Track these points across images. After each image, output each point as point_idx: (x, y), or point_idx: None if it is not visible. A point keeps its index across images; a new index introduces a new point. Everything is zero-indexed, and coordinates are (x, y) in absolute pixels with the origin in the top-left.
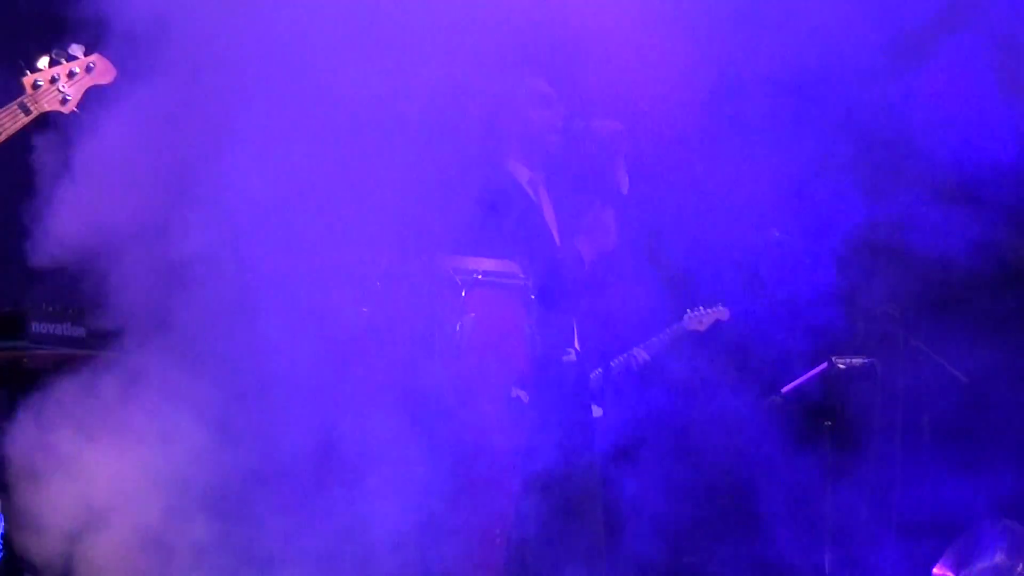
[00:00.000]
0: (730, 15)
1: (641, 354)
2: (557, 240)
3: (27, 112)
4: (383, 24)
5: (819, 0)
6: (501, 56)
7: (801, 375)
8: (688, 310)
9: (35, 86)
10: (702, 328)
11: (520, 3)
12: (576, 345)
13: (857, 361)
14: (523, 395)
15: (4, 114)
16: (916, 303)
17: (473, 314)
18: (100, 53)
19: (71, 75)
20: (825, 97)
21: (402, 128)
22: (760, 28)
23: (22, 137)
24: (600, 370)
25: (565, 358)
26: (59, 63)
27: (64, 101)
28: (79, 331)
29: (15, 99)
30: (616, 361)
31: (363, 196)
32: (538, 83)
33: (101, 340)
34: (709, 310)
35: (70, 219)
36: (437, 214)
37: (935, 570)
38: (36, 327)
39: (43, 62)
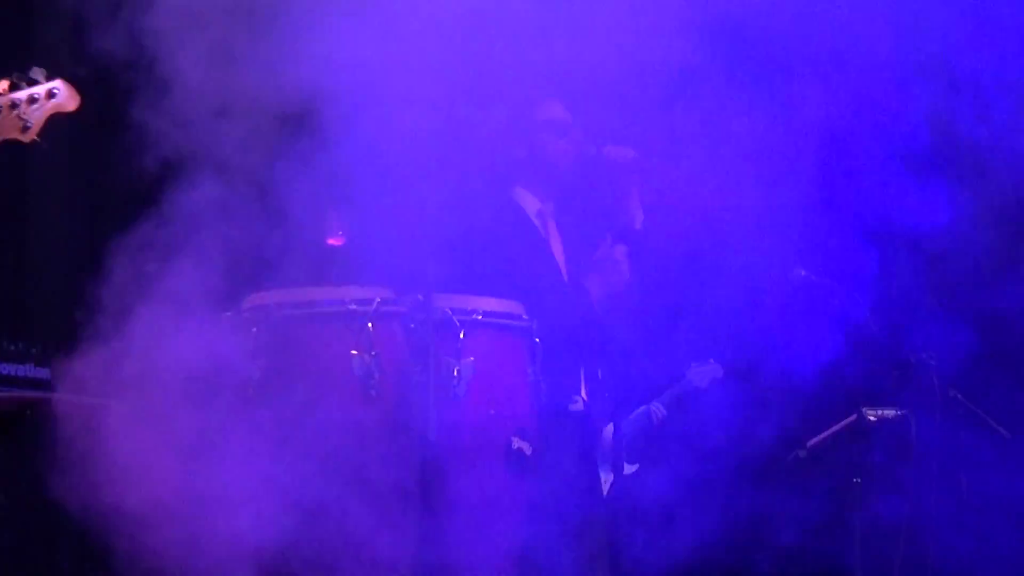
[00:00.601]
0: (751, 47)
1: (660, 410)
2: (565, 277)
3: None
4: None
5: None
6: (512, 77)
7: (828, 428)
8: (694, 364)
9: None
10: (703, 385)
11: (531, 26)
12: (584, 393)
13: (889, 413)
14: (525, 447)
15: None
16: (953, 351)
17: (472, 358)
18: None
19: (32, 101)
20: (857, 129)
21: (397, 147)
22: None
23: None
24: (612, 425)
25: (572, 407)
26: (19, 87)
27: (24, 129)
28: (43, 373)
29: None
30: (634, 416)
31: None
32: (553, 106)
33: (69, 383)
34: (705, 367)
35: None
36: (433, 247)
37: None
38: None
39: (1, 86)
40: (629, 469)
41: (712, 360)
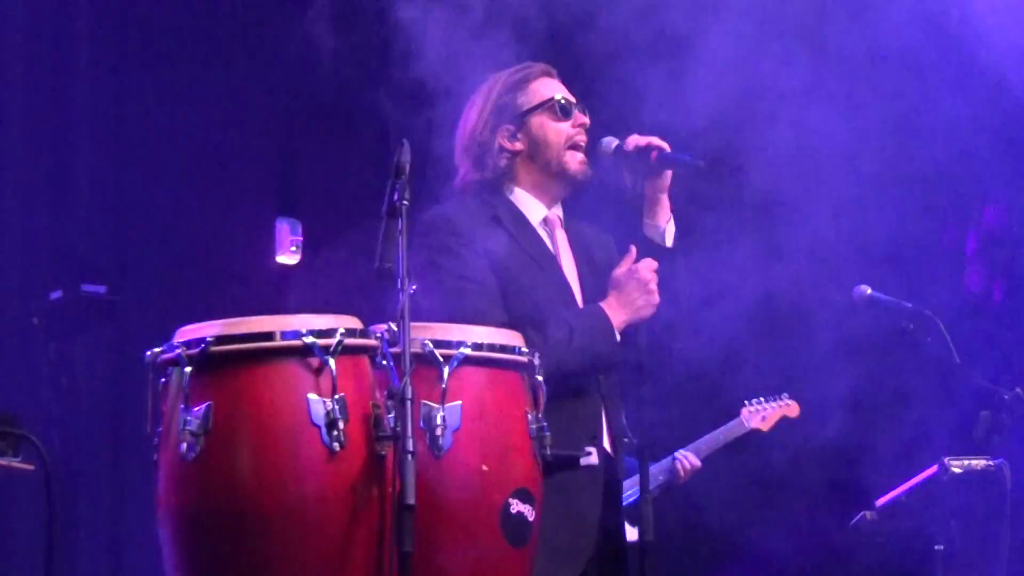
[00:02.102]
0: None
1: (689, 460)
2: (579, 300)
3: None
4: None
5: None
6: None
7: (901, 482)
8: (746, 403)
9: None
10: (765, 428)
11: None
12: (606, 443)
13: (978, 463)
14: (527, 511)
15: None
16: None
17: (459, 402)
18: None
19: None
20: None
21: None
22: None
23: None
24: (634, 485)
25: (584, 460)
26: None
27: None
28: None
29: None
30: (658, 468)
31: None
32: (552, 82)
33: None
34: (774, 403)
35: None
36: (407, 263)
37: None
38: None
39: None
40: (631, 534)
41: (787, 396)
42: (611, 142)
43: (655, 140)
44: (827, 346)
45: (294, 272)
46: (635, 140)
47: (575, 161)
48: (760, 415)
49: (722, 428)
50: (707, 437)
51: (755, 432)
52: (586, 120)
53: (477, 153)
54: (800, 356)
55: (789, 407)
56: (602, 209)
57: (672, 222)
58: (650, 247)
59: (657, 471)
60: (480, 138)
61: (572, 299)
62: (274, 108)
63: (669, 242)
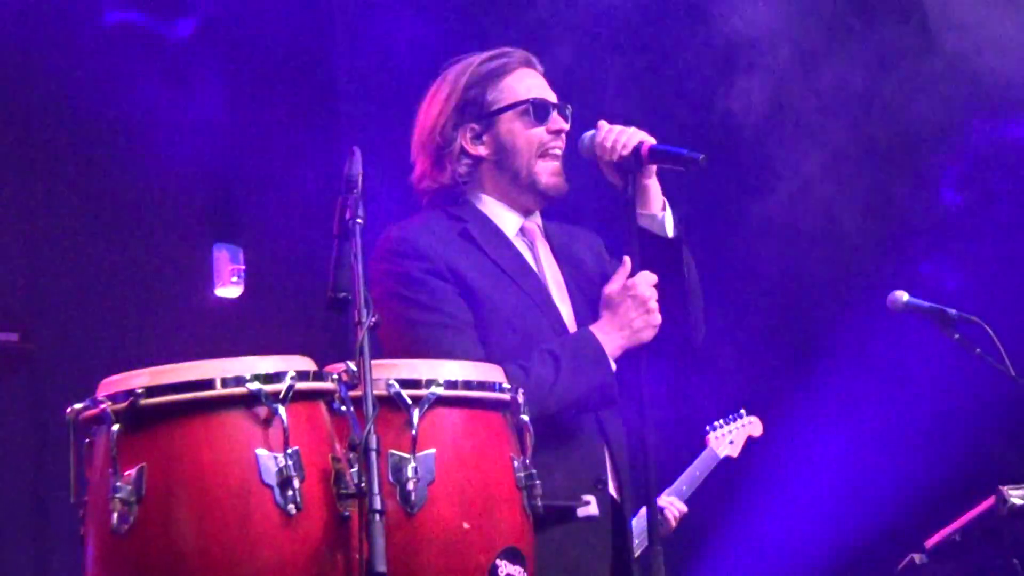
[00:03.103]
0: None
1: (676, 506)
2: (570, 322)
3: None
4: None
5: None
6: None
7: (953, 518)
8: (708, 428)
9: None
10: (735, 453)
11: None
12: (612, 489)
13: None
14: (518, 573)
15: None
16: None
17: (434, 449)
18: None
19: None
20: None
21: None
22: None
23: None
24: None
25: (582, 511)
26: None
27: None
28: None
29: None
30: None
31: None
32: (530, 77)
33: None
34: (735, 424)
35: None
36: (365, 293)
37: None
38: None
39: None
40: None
41: (744, 411)
42: (588, 139)
43: (634, 132)
44: (847, 357)
45: (236, 307)
46: (611, 135)
47: (547, 172)
48: (727, 439)
49: (696, 463)
50: (684, 477)
51: (727, 460)
52: (564, 126)
53: (436, 152)
54: (813, 369)
55: (752, 424)
56: (589, 204)
57: (668, 207)
58: (649, 241)
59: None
60: (440, 135)
61: (560, 322)
62: (207, 115)
63: (670, 231)
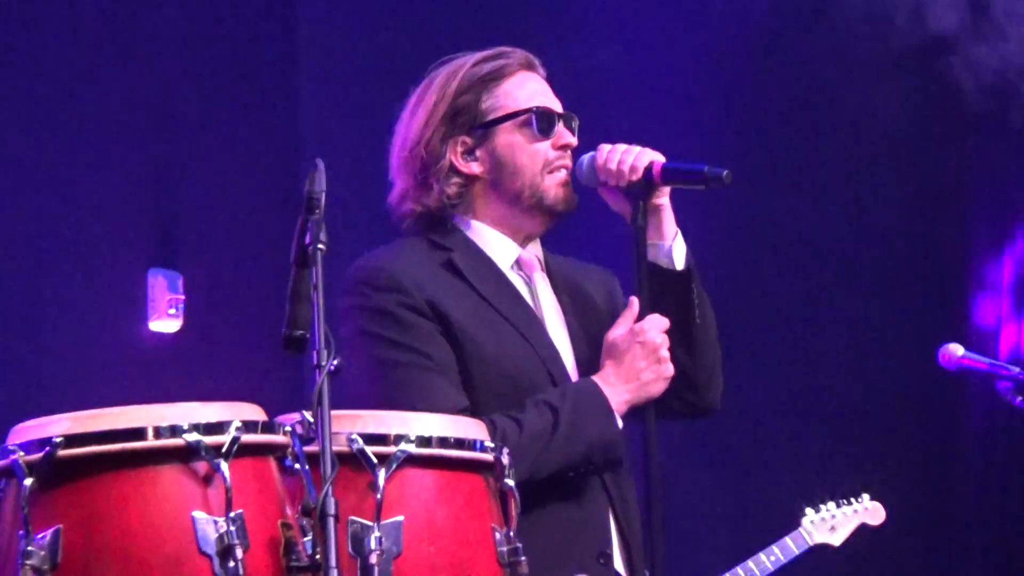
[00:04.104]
0: None
1: None
2: (572, 370)
3: None
4: None
5: None
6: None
7: None
8: (809, 511)
9: None
10: (837, 542)
11: None
12: (618, 563)
13: None
14: None
15: None
16: None
17: (401, 517)
18: None
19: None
20: None
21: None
22: None
23: None
24: None
25: None
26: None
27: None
28: None
29: None
30: None
31: None
32: (532, 81)
33: None
34: (849, 508)
35: None
36: (327, 330)
37: None
38: None
39: None
40: None
41: (867, 496)
42: (588, 163)
43: (642, 151)
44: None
45: (173, 343)
46: (615, 156)
47: (555, 185)
48: (827, 524)
49: (776, 545)
50: (756, 559)
51: (823, 546)
52: (572, 140)
53: (420, 170)
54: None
55: (871, 511)
56: (597, 234)
57: (680, 236)
58: (658, 277)
59: None
60: (426, 149)
61: (560, 369)
62: (141, 117)
63: (680, 263)
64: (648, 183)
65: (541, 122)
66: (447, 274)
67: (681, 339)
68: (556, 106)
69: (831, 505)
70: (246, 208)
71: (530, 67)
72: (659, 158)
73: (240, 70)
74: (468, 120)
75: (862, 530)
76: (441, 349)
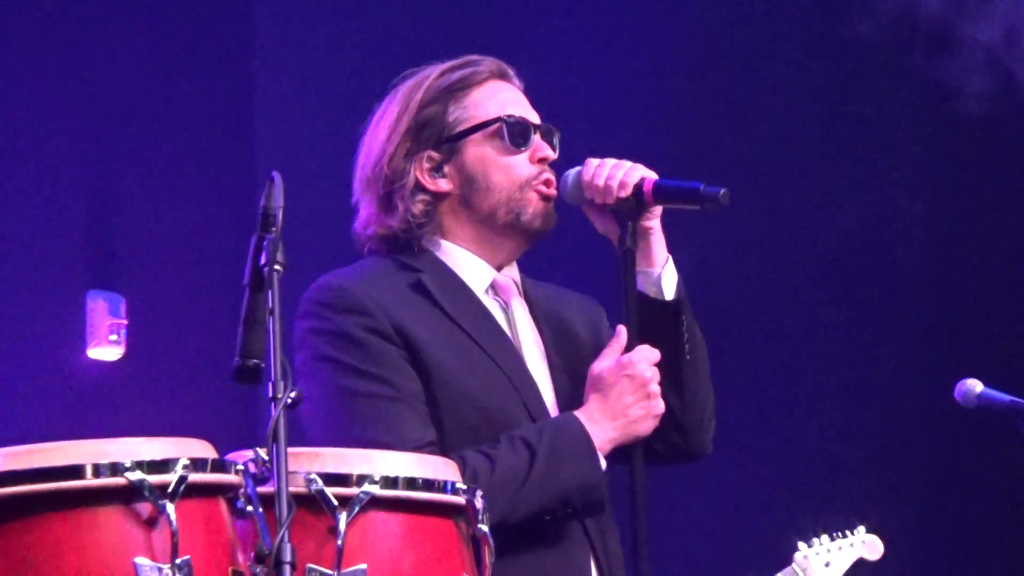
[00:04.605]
0: None
1: None
2: (550, 405)
3: None
4: None
5: None
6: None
7: None
8: (802, 545)
9: None
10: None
11: None
12: None
13: None
14: None
15: None
16: None
17: (364, 565)
18: None
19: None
20: None
21: None
22: None
23: None
24: None
25: None
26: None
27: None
28: None
29: None
30: None
31: None
32: (504, 90)
33: None
34: (844, 542)
35: None
36: (283, 360)
37: None
38: None
39: None
40: None
41: (863, 528)
42: (573, 179)
43: (633, 167)
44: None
45: (114, 372)
46: (603, 171)
47: (534, 202)
48: (822, 559)
49: None
50: None
51: None
52: (548, 154)
53: (384, 189)
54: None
55: (868, 545)
56: (580, 258)
57: (671, 263)
58: (645, 308)
59: None
60: (389, 166)
61: (539, 403)
62: (80, 123)
63: (669, 293)
64: (638, 202)
65: (513, 132)
66: (416, 296)
67: (669, 376)
68: (532, 116)
69: (825, 539)
70: (195, 224)
71: (502, 76)
72: (651, 175)
73: (189, 74)
74: (434, 133)
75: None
76: (408, 378)
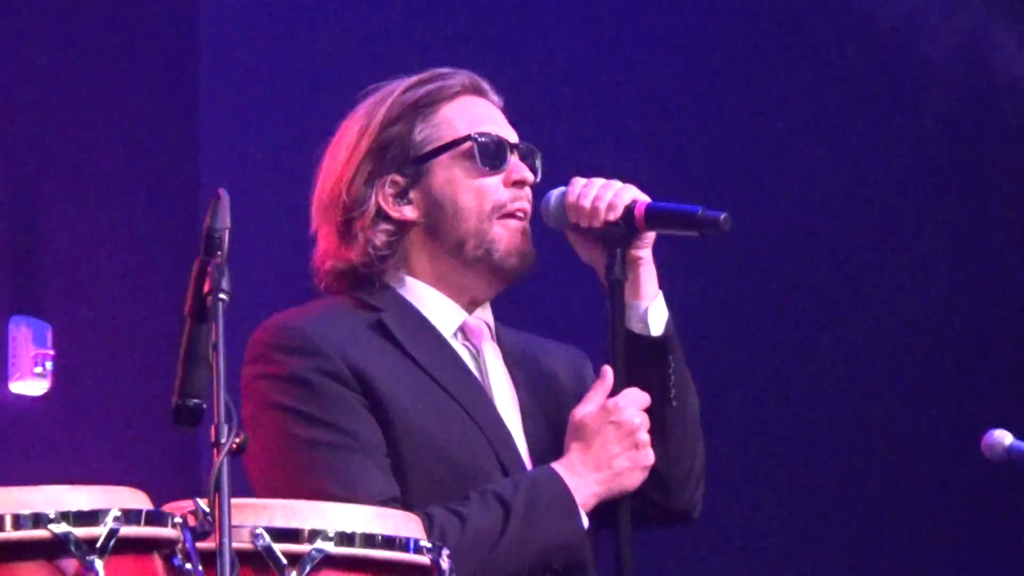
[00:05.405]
0: None
1: None
2: (525, 457)
3: None
4: None
5: None
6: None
7: None
8: None
9: None
10: None
11: None
12: None
13: None
14: None
15: None
16: None
17: None
18: None
19: None
20: None
21: None
22: None
23: None
24: None
25: None
26: None
27: None
28: None
29: None
30: None
31: None
32: (477, 106)
33: None
34: None
35: None
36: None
37: None
38: None
39: None
40: None
41: None
42: (556, 200)
43: (624, 188)
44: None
45: (38, 410)
46: (590, 191)
47: (507, 234)
48: None
49: None
50: None
51: None
52: (526, 176)
53: (343, 217)
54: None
55: None
56: (561, 290)
57: (661, 297)
58: (630, 346)
59: None
60: (348, 192)
61: (513, 455)
62: (1, 132)
63: (657, 329)
64: (628, 227)
65: (486, 152)
66: (376, 337)
67: (653, 425)
68: (508, 135)
69: None
70: (131, 244)
71: (476, 90)
72: (643, 197)
73: (126, 72)
74: (399, 155)
75: None
76: (367, 426)
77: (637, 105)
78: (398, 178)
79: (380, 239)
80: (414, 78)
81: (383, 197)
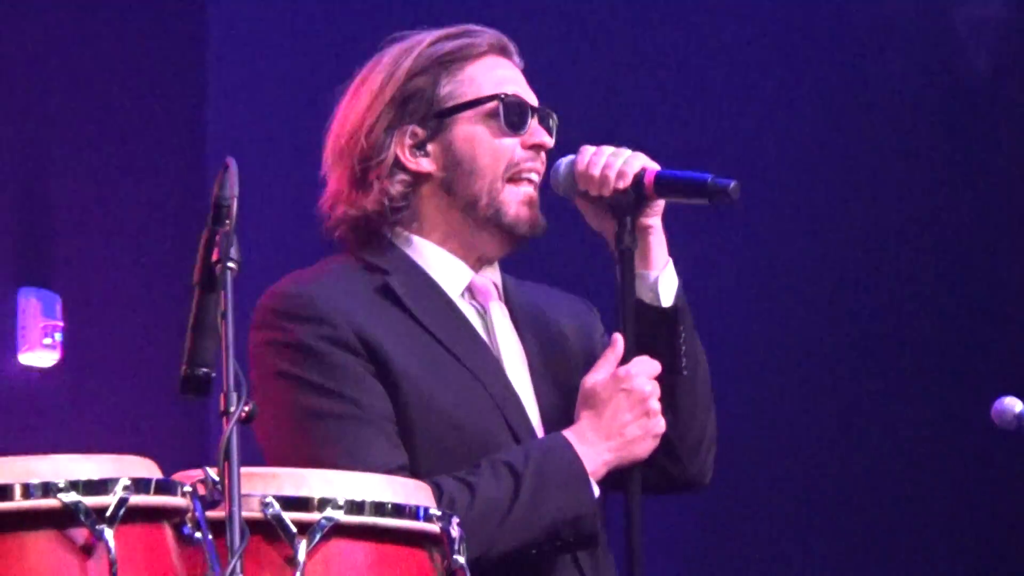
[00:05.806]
0: None
1: None
2: (536, 423)
3: None
4: None
5: None
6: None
7: None
8: None
9: None
10: None
11: None
12: None
13: None
14: None
15: None
16: None
17: None
18: None
19: None
20: None
21: None
22: None
23: None
24: None
25: None
26: None
27: None
28: None
29: None
30: None
31: None
32: (502, 67)
33: None
34: None
35: None
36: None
37: None
38: None
39: None
40: None
41: None
42: (566, 168)
43: (633, 156)
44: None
45: (48, 381)
46: (600, 160)
47: (516, 200)
48: None
49: None
50: None
51: None
52: (547, 141)
53: (358, 164)
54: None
55: None
56: (570, 258)
57: (671, 266)
58: (640, 315)
59: None
60: (367, 139)
61: (524, 421)
62: (10, 105)
63: (667, 299)
64: (638, 195)
65: (510, 113)
66: (382, 301)
67: (664, 394)
68: (531, 98)
69: None
70: (139, 214)
71: (502, 51)
72: (653, 165)
73: (133, 45)
74: (421, 107)
75: None
76: (374, 395)
77: (650, 75)
78: (418, 130)
79: (396, 189)
80: (442, 31)
81: (401, 147)
